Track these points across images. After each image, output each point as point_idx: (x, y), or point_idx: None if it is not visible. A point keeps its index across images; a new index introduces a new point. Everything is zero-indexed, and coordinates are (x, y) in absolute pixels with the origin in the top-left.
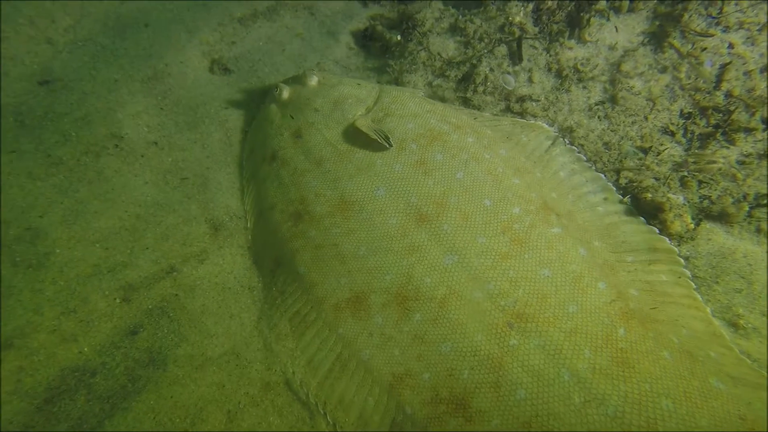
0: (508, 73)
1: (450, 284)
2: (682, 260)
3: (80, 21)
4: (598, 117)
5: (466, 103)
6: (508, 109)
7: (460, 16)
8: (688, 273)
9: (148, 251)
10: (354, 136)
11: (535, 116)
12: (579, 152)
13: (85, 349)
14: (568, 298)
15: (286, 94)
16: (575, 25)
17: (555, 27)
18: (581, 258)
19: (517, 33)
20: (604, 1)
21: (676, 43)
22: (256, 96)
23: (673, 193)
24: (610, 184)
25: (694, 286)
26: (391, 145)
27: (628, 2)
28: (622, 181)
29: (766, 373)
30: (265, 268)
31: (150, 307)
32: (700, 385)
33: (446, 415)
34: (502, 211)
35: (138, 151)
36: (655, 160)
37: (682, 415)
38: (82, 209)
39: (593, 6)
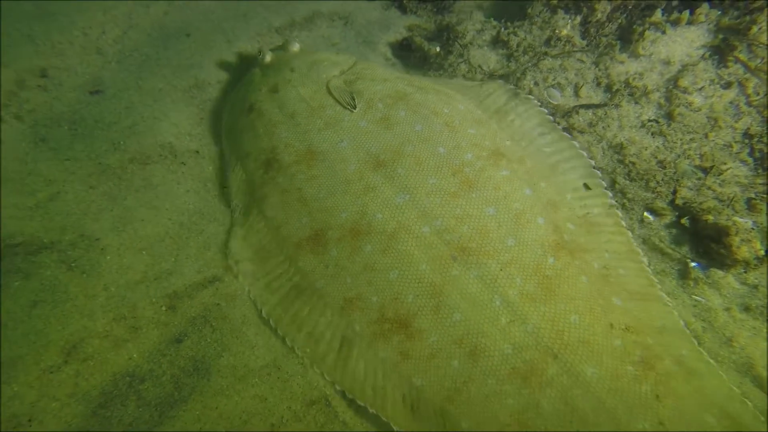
0: (554, 86)
1: (400, 220)
2: (609, 192)
3: (127, 32)
4: (652, 134)
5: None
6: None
7: (503, 29)
8: (615, 203)
9: (191, 260)
10: (326, 94)
11: (582, 132)
12: (538, 104)
13: (135, 355)
14: (508, 232)
15: (268, 58)
16: (626, 39)
17: (604, 40)
18: (525, 197)
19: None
20: (660, 14)
21: (743, 57)
22: None
23: (740, 217)
24: (563, 132)
25: (620, 215)
26: (354, 108)
27: (688, 14)
28: (679, 201)
29: (657, 285)
30: (238, 210)
31: (193, 315)
32: (604, 302)
33: (390, 332)
34: (454, 157)
35: (180, 159)
36: (717, 181)
37: (584, 326)
38: (130, 216)
39: (647, 18)
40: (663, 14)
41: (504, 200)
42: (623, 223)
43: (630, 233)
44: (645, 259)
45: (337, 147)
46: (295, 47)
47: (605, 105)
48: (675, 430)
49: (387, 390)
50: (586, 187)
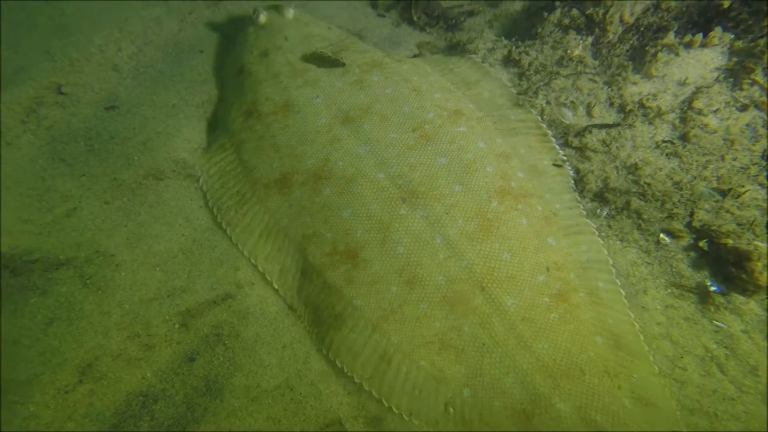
0: (566, 106)
1: (358, 167)
2: (554, 141)
3: (143, 48)
4: (667, 155)
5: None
6: (566, 144)
7: (514, 48)
8: (560, 151)
9: (203, 276)
10: (312, 59)
11: (595, 152)
12: (510, 86)
13: (148, 374)
14: (456, 179)
15: (263, 18)
16: (639, 60)
17: (616, 60)
18: (478, 149)
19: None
20: (673, 36)
21: (761, 80)
22: None
23: (761, 241)
24: (530, 107)
25: (565, 160)
26: (343, 65)
27: (701, 37)
28: (696, 224)
29: (589, 223)
30: (217, 153)
31: (206, 333)
32: (539, 243)
33: (339, 262)
34: (417, 116)
35: (193, 175)
36: (735, 204)
37: (514, 263)
38: (144, 232)
39: (659, 40)
40: (676, 36)
41: (457, 152)
42: (570, 173)
43: (571, 176)
44: (578, 197)
45: (312, 102)
46: (290, 14)
47: (618, 125)
48: (567, 350)
49: (323, 308)
50: (556, 165)
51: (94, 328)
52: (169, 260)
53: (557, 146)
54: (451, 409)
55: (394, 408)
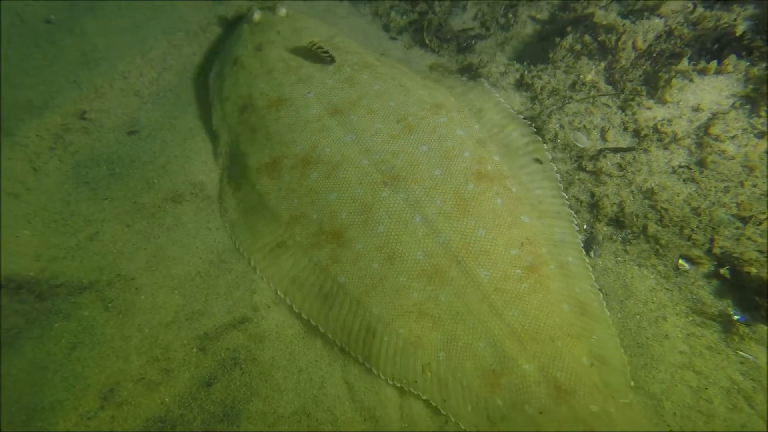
0: (579, 130)
1: (344, 153)
2: (521, 117)
3: (162, 73)
4: (684, 180)
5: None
6: (580, 168)
7: (526, 72)
8: (532, 127)
9: (221, 299)
10: (305, 56)
11: (610, 176)
12: (502, 102)
13: (167, 399)
14: (436, 165)
15: (257, 16)
16: (652, 85)
17: (629, 85)
18: (457, 136)
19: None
20: (687, 62)
21: None
22: None
23: None
24: (516, 114)
25: (545, 145)
26: (333, 61)
27: (715, 64)
28: (717, 251)
29: (567, 204)
30: (216, 144)
31: (223, 357)
32: (512, 220)
33: (324, 241)
34: (401, 109)
35: (210, 197)
36: (757, 231)
37: (488, 239)
38: (162, 255)
39: (673, 66)
40: (689, 63)
41: (438, 140)
42: (547, 154)
43: (550, 159)
44: (561, 184)
45: (304, 96)
46: (282, 12)
47: (633, 149)
48: (535, 316)
49: (305, 282)
50: (538, 161)
51: (116, 352)
52: (186, 283)
53: (526, 123)
54: (429, 372)
55: (379, 374)
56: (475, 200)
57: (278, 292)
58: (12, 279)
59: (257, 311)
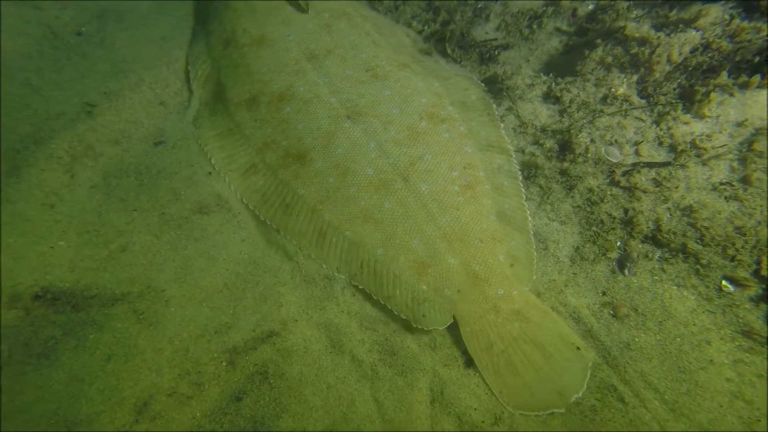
0: (611, 144)
1: (316, 92)
2: (477, 79)
3: (186, 83)
4: (725, 198)
5: (562, 173)
6: (612, 183)
7: (554, 84)
8: (483, 86)
9: (248, 312)
10: (287, 3)
11: (645, 192)
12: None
13: (198, 414)
14: (395, 105)
15: None
16: (688, 99)
17: (663, 99)
18: (416, 86)
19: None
20: (726, 76)
21: None
22: None
23: None
24: (479, 82)
25: (488, 94)
26: (305, 11)
27: (759, 78)
28: (765, 273)
29: (508, 142)
30: (197, 77)
31: (252, 372)
32: (456, 148)
33: (290, 163)
34: (371, 60)
35: (235, 209)
36: None
37: (432, 161)
38: (190, 267)
39: (711, 80)
40: (729, 76)
41: (400, 88)
42: (495, 111)
43: (496, 113)
44: (504, 130)
45: (285, 38)
46: None
47: (668, 164)
48: (465, 223)
49: (274, 198)
50: (489, 116)
51: (148, 365)
52: (214, 295)
53: (471, 75)
54: (367, 267)
55: (326, 267)
56: (425, 133)
57: (249, 206)
58: (49, 290)
59: (285, 325)
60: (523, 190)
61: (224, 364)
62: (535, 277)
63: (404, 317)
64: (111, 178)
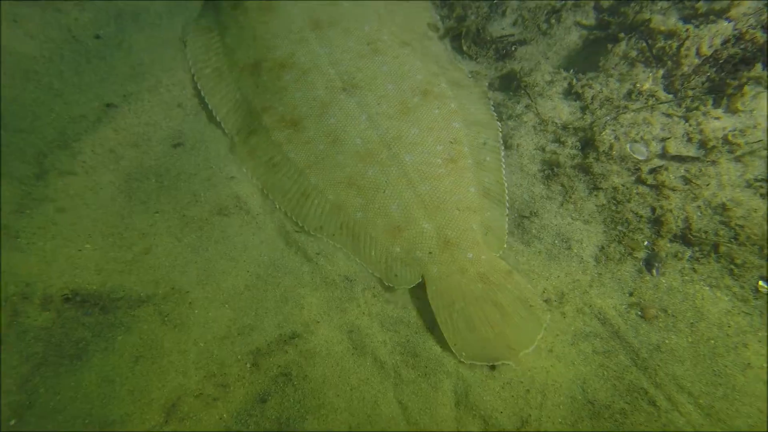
0: (637, 141)
1: (316, 62)
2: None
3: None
4: (761, 195)
5: (585, 171)
6: (639, 181)
7: (575, 80)
8: (466, 70)
9: (270, 314)
10: None
11: (674, 190)
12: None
13: (224, 415)
14: (390, 81)
15: None
16: (719, 93)
17: (691, 93)
18: (414, 64)
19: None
20: (761, 68)
21: None
22: None
23: None
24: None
25: (485, 85)
26: None
27: None
28: None
29: (496, 117)
30: (205, 33)
31: (276, 373)
32: (444, 124)
33: (284, 127)
34: (374, 34)
35: (254, 210)
36: None
37: (420, 135)
38: (212, 269)
39: (745, 73)
40: (764, 69)
41: (398, 64)
42: (486, 88)
43: (486, 87)
44: (492, 106)
45: (291, 6)
46: None
47: (697, 159)
48: (443, 192)
49: (264, 157)
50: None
51: (175, 366)
52: (236, 297)
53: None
54: (345, 228)
55: (305, 227)
56: (416, 109)
57: (243, 169)
58: (78, 292)
59: (307, 326)
60: (504, 165)
61: (248, 365)
62: (505, 246)
63: (377, 276)
64: (132, 181)
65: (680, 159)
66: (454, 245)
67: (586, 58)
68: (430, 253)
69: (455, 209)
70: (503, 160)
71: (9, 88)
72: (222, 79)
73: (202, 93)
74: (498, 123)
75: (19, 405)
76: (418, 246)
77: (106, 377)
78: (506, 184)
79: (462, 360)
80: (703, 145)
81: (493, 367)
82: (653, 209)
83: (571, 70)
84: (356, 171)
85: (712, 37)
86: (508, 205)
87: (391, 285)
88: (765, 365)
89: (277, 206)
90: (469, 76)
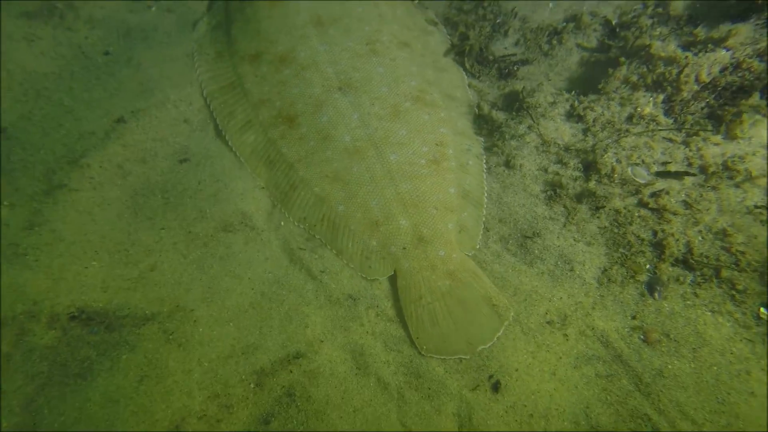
0: (639, 165)
1: (315, 59)
2: (466, 78)
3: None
4: (761, 222)
5: (587, 195)
6: (640, 204)
7: (577, 102)
8: (470, 86)
9: (274, 333)
10: None
11: (675, 214)
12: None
13: None
14: (385, 84)
15: None
16: (717, 119)
17: (690, 118)
18: (410, 70)
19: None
20: (759, 96)
21: None
22: None
23: None
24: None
25: (473, 92)
26: None
27: None
28: None
29: (479, 137)
30: (211, 24)
31: (279, 394)
32: (432, 128)
33: (279, 123)
34: (373, 35)
35: (258, 226)
36: None
37: (407, 137)
38: (217, 286)
39: (743, 101)
40: (762, 97)
41: (394, 68)
42: (471, 97)
43: (475, 109)
44: (475, 111)
45: (297, 2)
46: None
47: (695, 174)
48: (423, 191)
49: (260, 151)
50: (474, 109)
51: (179, 387)
52: (240, 315)
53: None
54: (326, 220)
55: (289, 217)
56: (407, 113)
57: (241, 158)
58: (84, 310)
59: (311, 346)
60: (485, 170)
61: (252, 386)
62: (478, 246)
63: (352, 267)
64: (138, 197)
65: (680, 180)
66: (428, 242)
67: (588, 80)
68: (404, 248)
69: (433, 208)
70: (485, 164)
71: (21, 105)
72: (222, 61)
73: (195, 65)
74: (480, 138)
75: (23, 427)
76: (393, 241)
77: (110, 397)
78: (486, 188)
79: (422, 353)
80: (703, 170)
81: (496, 389)
82: (655, 232)
83: (573, 92)
84: (343, 166)
85: (710, 64)
86: (486, 207)
87: (365, 276)
88: (767, 393)
89: (272, 200)
90: (466, 76)
